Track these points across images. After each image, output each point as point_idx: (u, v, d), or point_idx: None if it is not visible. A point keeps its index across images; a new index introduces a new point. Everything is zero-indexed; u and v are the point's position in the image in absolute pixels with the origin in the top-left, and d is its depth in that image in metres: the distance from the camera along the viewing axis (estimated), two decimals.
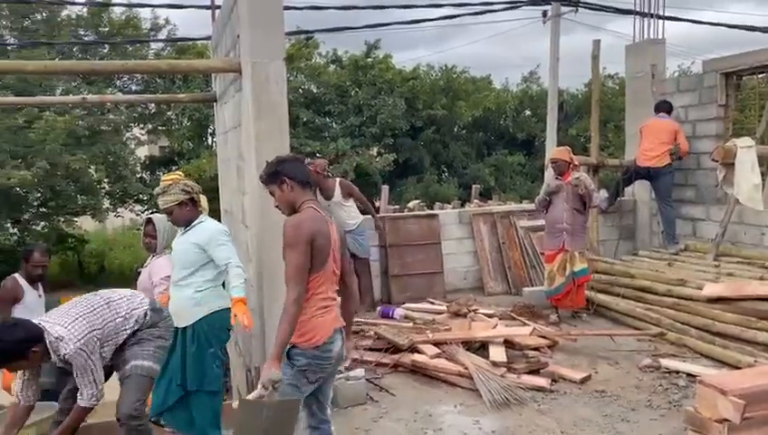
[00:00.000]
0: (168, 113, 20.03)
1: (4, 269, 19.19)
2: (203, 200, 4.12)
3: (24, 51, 15.95)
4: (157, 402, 3.90)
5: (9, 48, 16.49)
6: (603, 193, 8.02)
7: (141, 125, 19.84)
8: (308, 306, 2.74)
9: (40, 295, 4.94)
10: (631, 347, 5.42)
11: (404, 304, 6.71)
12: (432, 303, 6.80)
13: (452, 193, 19.05)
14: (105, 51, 18.09)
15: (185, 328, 3.86)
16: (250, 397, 2.75)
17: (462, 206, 9.80)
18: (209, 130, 21.24)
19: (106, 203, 19.13)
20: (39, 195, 16.70)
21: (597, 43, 7.71)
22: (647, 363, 4.99)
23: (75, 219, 18.90)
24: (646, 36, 8.27)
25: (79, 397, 3.17)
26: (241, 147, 4.85)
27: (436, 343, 5.22)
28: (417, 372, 5.04)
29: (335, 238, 2.86)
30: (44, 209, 17.60)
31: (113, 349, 3.32)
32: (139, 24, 19.06)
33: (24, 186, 15.28)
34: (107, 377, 3.48)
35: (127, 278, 15.00)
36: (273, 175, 2.92)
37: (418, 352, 5.18)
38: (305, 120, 18.81)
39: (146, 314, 3.37)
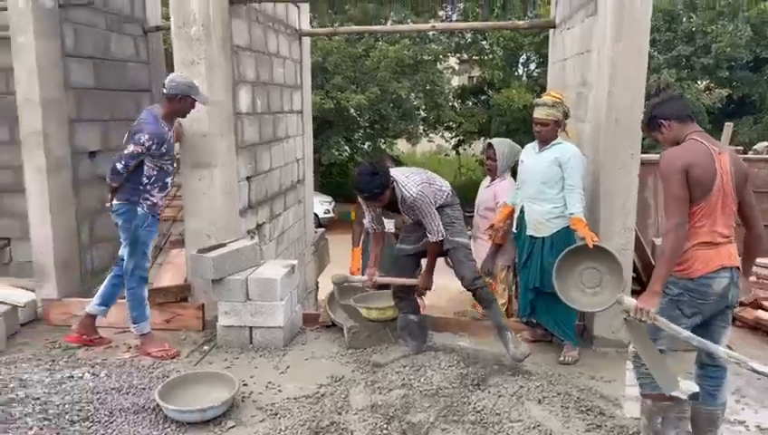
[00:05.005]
0: (482, 43, 20.50)
1: (337, 181, 22.44)
2: (569, 127, 4.21)
3: None
4: (523, 304, 4.25)
5: None
6: None
7: (458, 55, 20.70)
8: (689, 238, 2.69)
9: None
10: None
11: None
12: None
13: None
14: None
15: (543, 238, 4.05)
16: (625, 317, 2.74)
17: None
18: (520, 61, 21.24)
19: (420, 128, 20.71)
20: (368, 117, 18.83)
21: None
22: None
23: (394, 141, 20.98)
24: None
25: (428, 236, 3.83)
26: (586, 73, 4.74)
27: None
28: (759, 329, 4.57)
29: (727, 170, 2.71)
30: (371, 131, 19.85)
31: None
32: None
33: (358, 109, 17.37)
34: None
35: None
36: (651, 121, 2.94)
37: (762, 308, 4.67)
38: None
39: (450, 193, 3.96)
